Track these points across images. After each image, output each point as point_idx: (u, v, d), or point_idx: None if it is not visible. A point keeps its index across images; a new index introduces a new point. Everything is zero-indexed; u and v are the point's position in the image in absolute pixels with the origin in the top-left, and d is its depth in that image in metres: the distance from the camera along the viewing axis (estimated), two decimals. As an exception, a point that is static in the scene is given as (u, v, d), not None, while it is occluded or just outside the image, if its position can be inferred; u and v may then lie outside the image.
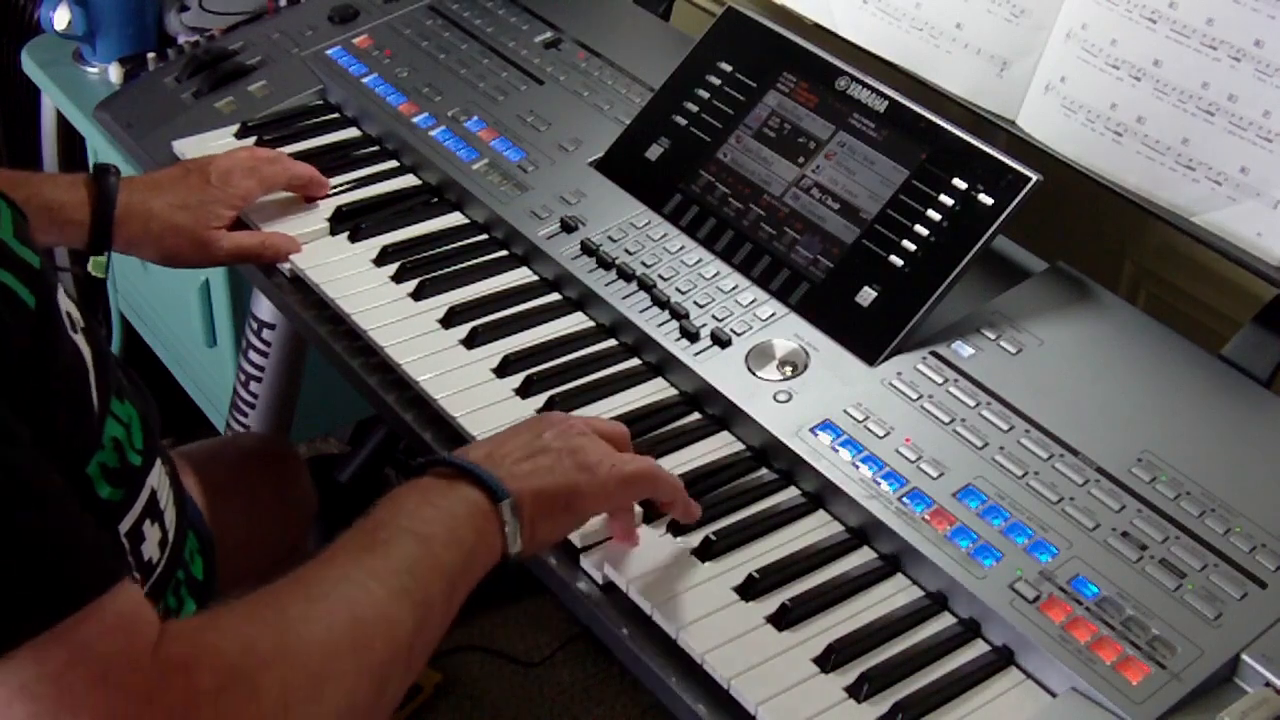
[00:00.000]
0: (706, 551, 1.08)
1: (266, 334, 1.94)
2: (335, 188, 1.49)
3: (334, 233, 1.43)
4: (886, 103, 1.32)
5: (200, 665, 0.78)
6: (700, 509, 1.10)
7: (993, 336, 1.22)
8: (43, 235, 1.30)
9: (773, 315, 1.27)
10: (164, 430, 1.17)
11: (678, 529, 1.10)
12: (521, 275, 1.38)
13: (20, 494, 0.76)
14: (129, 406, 1.05)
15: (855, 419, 1.16)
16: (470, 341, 1.28)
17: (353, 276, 1.37)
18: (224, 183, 1.39)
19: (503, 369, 1.25)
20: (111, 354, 1.05)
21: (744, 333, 1.25)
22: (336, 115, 1.61)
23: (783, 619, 1.03)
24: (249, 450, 1.60)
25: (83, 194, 1.32)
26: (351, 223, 1.43)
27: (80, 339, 0.96)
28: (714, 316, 1.27)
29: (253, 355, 1.97)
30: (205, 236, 1.37)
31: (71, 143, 2.27)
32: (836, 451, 1.13)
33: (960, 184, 1.25)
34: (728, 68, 1.42)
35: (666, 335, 1.26)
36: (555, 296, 1.35)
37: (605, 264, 1.33)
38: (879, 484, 1.10)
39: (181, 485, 1.18)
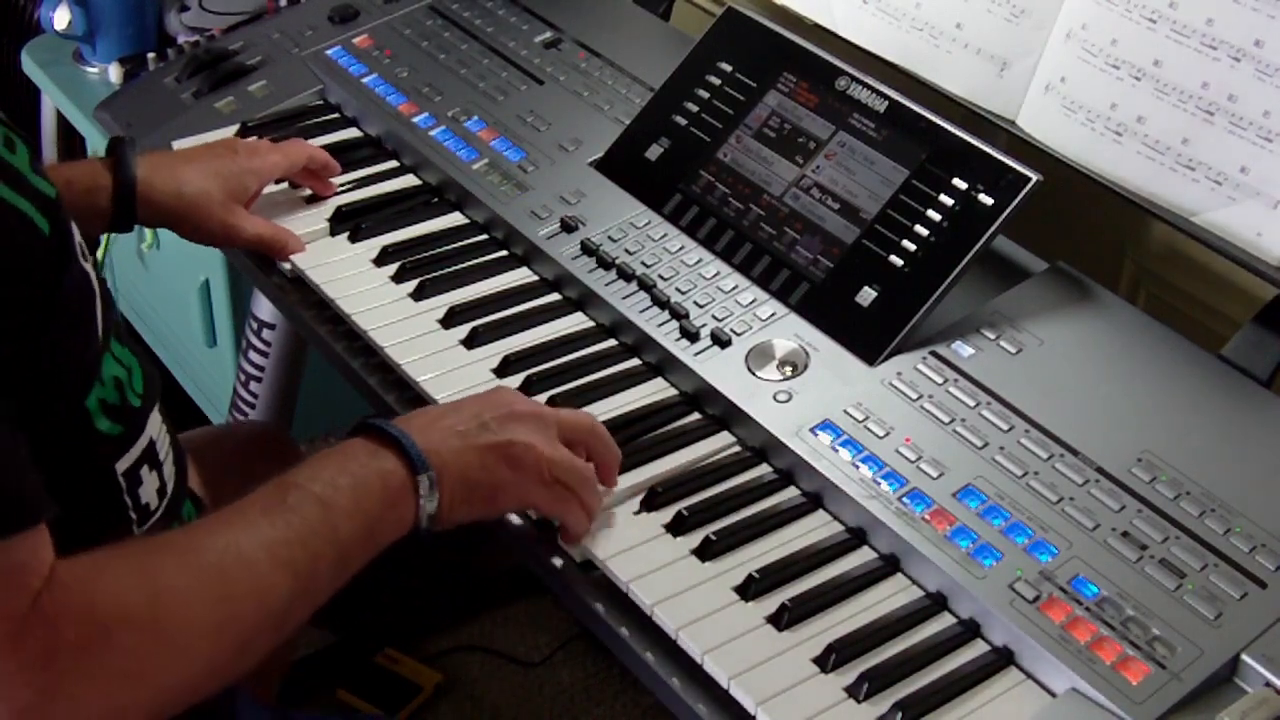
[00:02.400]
0: (706, 551, 1.08)
1: (266, 334, 1.95)
2: (337, 188, 1.49)
3: (334, 233, 1.43)
4: (886, 103, 1.32)
5: (67, 618, 0.82)
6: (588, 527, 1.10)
7: (993, 336, 1.22)
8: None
9: (773, 315, 1.27)
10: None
11: (678, 529, 1.10)
12: (521, 275, 1.38)
13: None
14: (128, 352, 1.05)
15: (855, 419, 1.16)
16: (470, 341, 1.29)
17: (353, 276, 1.37)
18: (251, 154, 1.39)
19: (503, 369, 1.25)
20: (114, 300, 1.05)
21: (744, 333, 1.25)
22: (336, 115, 1.61)
23: (782, 619, 1.03)
24: (248, 438, 1.61)
25: (99, 165, 1.31)
26: (351, 223, 1.43)
27: (89, 266, 0.98)
28: (714, 316, 1.27)
29: (253, 355, 1.97)
30: (234, 211, 1.36)
31: (71, 143, 2.27)
32: (836, 451, 1.13)
33: (960, 184, 1.25)
34: (728, 68, 1.42)
35: (666, 335, 1.26)
36: (555, 296, 1.35)
37: (605, 264, 1.33)
38: (879, 484, 1.10)
39: (184, 456, 1.18)
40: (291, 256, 1.39)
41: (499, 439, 1.05)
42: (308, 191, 1.47)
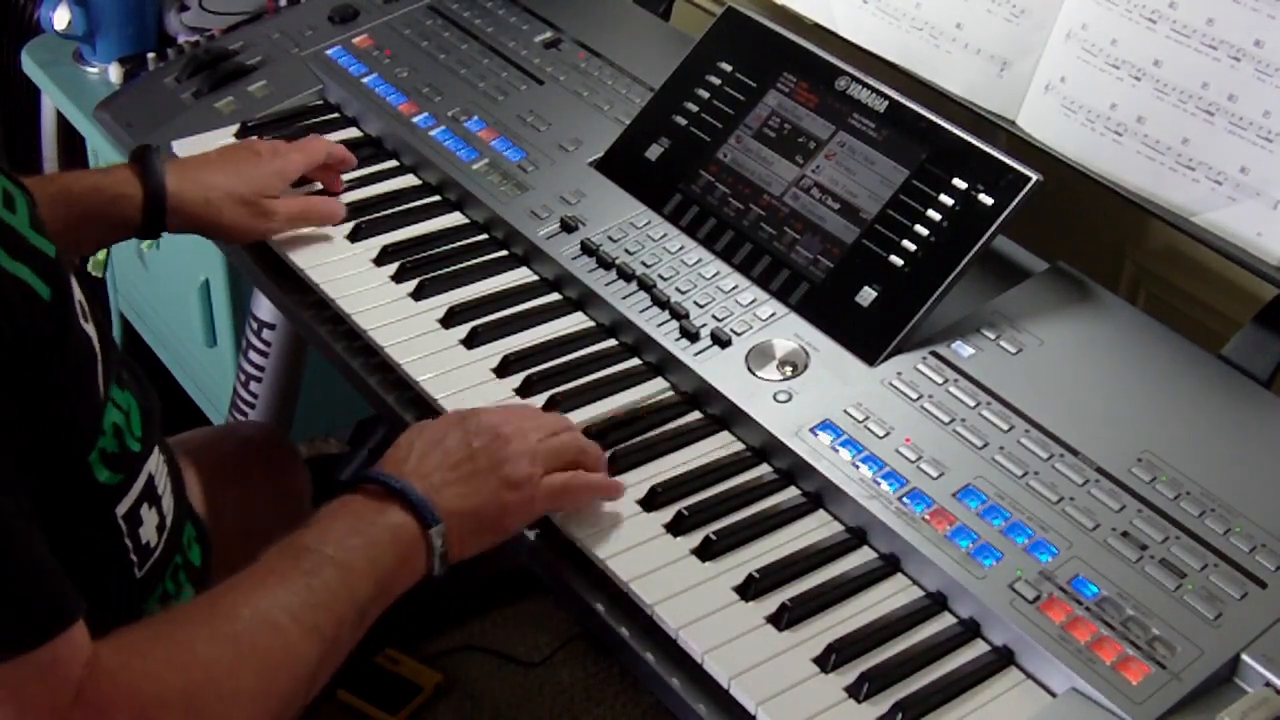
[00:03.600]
0: (706, 551, 1.08)
1: (266, 334, 1.94)
2: (344, 185, 1.49)
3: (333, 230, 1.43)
4: (886, 103, 1.32)
5: (115, 707, 0.84)
6: (619, 485, 1.12)
7: (993, 336, 1.22)
8: (91, 226, 1.30)
9: (773, 315, 1.27)
10: (165, 430, 1.17)
11: (678, 529, 1.10)
12: (521, 275, 1.38)
13: None
14: (128, 395, 1.05)
15: (855, 419, 1.16)
16: (470, 341, 1.29)
17: (353, 276, 1.37)
18: (273, 155, 1.40)
19: (503, 369, 1.25)
20: (114, 342, 1.05)
21: (744, 333, 1.25)
22: (336, 115, 1.61)
23: (783, 619, 1.03)
24: (246, 439, 1.61)
25: (127, 172, 1.32)
26: (351, 222, 1.43)
27: (90, 328, 0.98)
28: (714, 316, 1.27)
29: (253, 355, 1.97)
30: (265, 206, 1.37)
31: (71, 143, 2.27)
32: (836, 451, 1.13)
33: (960, 184, 1.25)
34: (728, 68, 1.42)
35: (666, 335, 1.26)
36: (555, 296, 1.35)
37: (605, 264, 1.33)
38: (879, 484, 1.10)
39: (181, 478, 1.19)
40: (292, 257, 1.39)
41: (491, 461, 1.06)
42: (318, 185, 1.47)
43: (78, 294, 0.96)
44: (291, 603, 0.93)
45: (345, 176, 1.50)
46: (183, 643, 0.89)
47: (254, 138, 1.46)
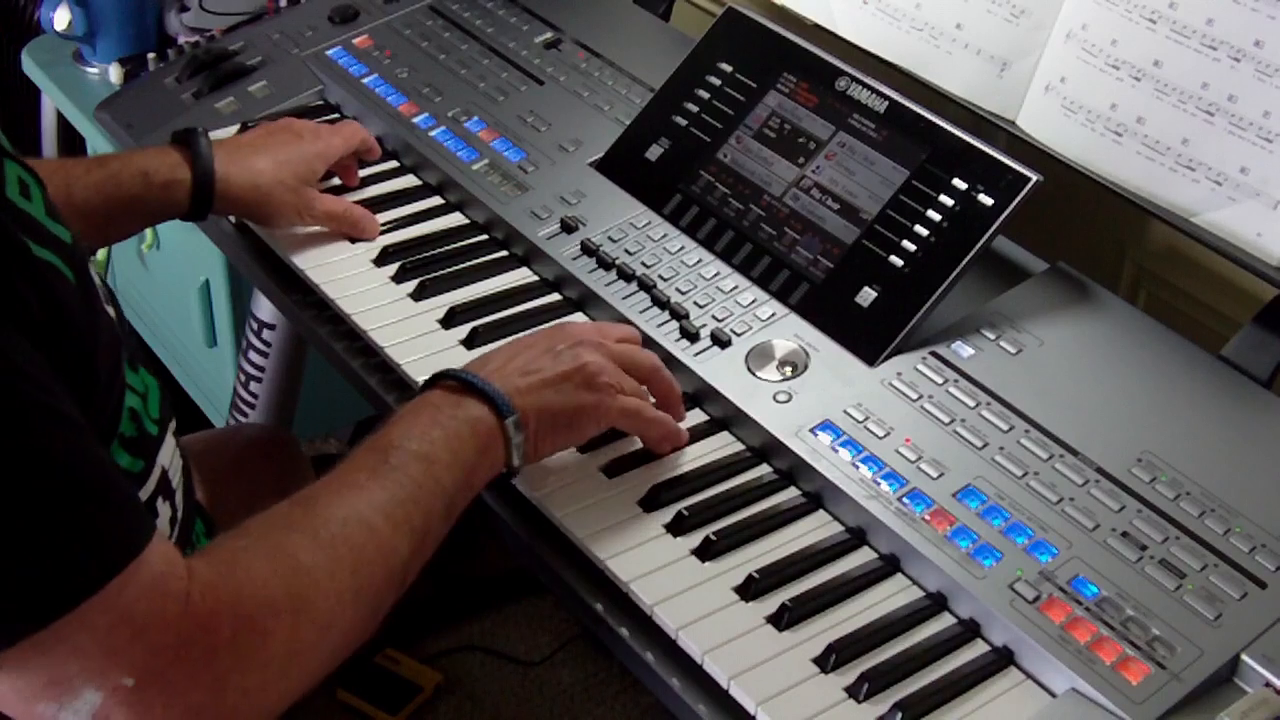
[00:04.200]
0: (706, 551, 1.08)
1: (266, 334, 1.95)
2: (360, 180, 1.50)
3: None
4: (886, 103, 1.32)
5: (221, 618, 0.85)
6: (684, 433, 1.17)
7: (993, 336, 1.22)
8: (138, 210, 1.31)
9: (773, 315, 1.27)
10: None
11: (678, 529, 1.10)
12: (522, 275, 1.38)
13: (73, 455, 0.81)
14: (145, 375, 1.06)
15: (855, 419, 1.16)
16: (470, 342, 1.29)
17: (353, 277, 1.37)
18: (315, 137, 1.41)
19: (503, 369, 1.25)
20: (129, 326, 1.06)
21: (744, 333, 1.25)
22: (336, 115, 1.61)
23: (783, 619, 1.03)
24: (252, 440, 1.61)
25: (176, 156, 1.32)
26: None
27: (111, 311, 0.99)
28: (714, 317, 1.27)
29: (253, 355, 1.97)
30: (308, 193, 1.38)
31: (72, 143, 2.27)
32: (836, 452, 1.13)
33: (960, 184, 1.25)
34: (728, 68, 1.42)
35: (666, 335, 1.26)
36: (555, 297, 1.36)
37: (605, 264, 1.33)
38: (879, 484, 1.10)
39: (191, 474, 1.19)
40: (291, 257, 1.39)
41: (573, 365, 1.10)
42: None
43: (96, 279, 0.97)
44: (382, 500, 0.97)
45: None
46: (282, 548, 0.91)
47: (291, 117, 1.46)
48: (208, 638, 0.84)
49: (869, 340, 1.22)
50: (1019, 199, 1.22)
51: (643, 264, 1.32)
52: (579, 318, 1.33)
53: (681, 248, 1.34)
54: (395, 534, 0.96)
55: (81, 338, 0.89)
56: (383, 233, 1.42)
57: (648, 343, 1.26)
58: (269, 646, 0.87)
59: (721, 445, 1.19)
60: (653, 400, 1.16)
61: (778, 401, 1.18)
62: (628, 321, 1.28)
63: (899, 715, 0.96)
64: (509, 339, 1.17)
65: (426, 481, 0.99)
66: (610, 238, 1.35)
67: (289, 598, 0.89)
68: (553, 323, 1.17)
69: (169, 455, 1.09)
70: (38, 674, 0.80)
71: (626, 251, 1.34)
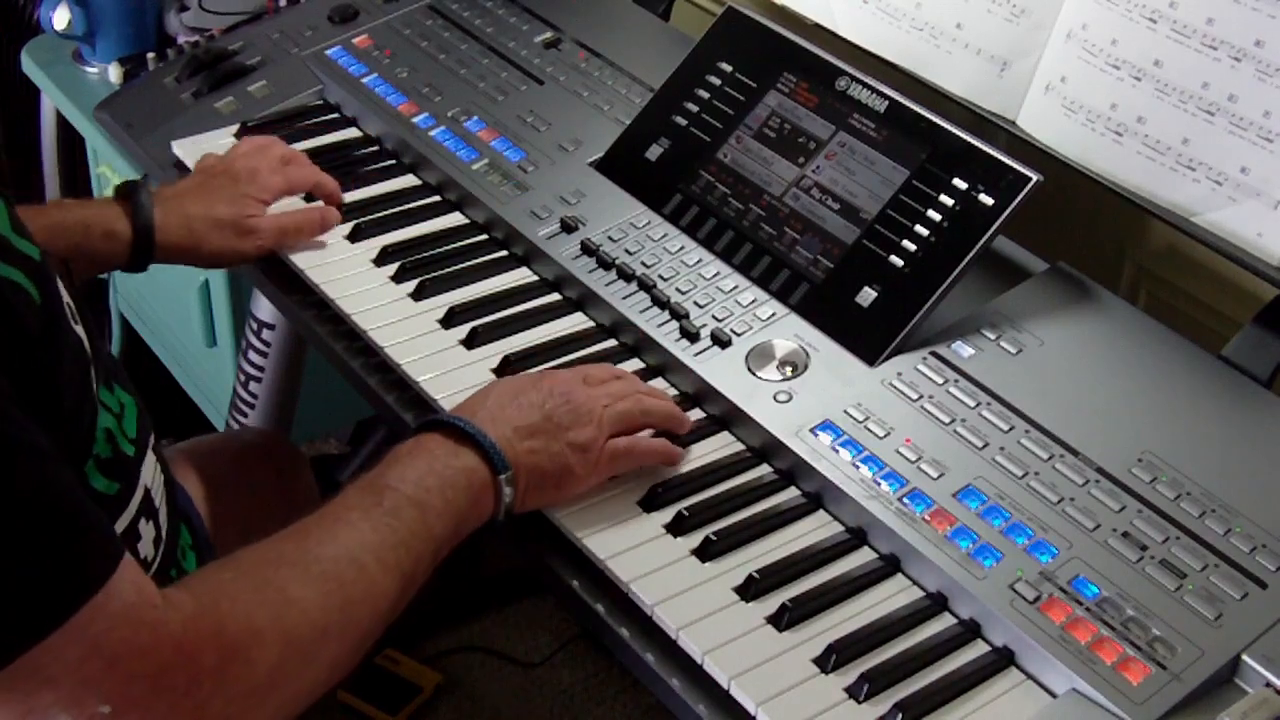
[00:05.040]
0: (706, 551, 1.08)
1: (266, 334, 1.94)
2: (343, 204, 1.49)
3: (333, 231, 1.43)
4: (886, 103, 1.32)
5: (205, 646, 0.85)
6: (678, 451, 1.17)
7: (993, 337, 1.22)
8: (79, 260, 1.31)
9: (773, 315, 1.27)
10: (164, 430, 1.17)
11: (678, 529, 1.10)
12: (521, 275, 1.38)
13: (34, 484, 0.80)
14: (120, 393, 1.05)
15: (855, 419, 1.16)
16: (470, 342, 1.28)
17: (353, 276, 1.37)
18: (252, 180, 1.40)
19: (503, 369, 1.25)
20: (103, 345, 1.05)
21: (744, 333, 1.25)
22: (336, 115, 1.61)
23: (783, 619, 1.03)
24: (251, 445, 1.61)
25: (116, 209, 1.33)
26: (351, 223, 1.43)
27: (80, 330, 0.97)
28: (714, 317, 1.27)
29: (253, 355, 1.97)
30: (247, 225, 1.38)
31: (71, 143, 2.27)
32: (837, 452, 1.13)
33: (960, 184, 1.25)
34: (728, 68, 1.42)
35: (666, 335, 1.26)
36: (555, 297, 1.35)
37: (605, 264, 1.33)
38: (879, 484, 1.10)
39: (173, 478, 1.18)
40: (291, 257, 1.39)
41: (563, 424, 1.10)
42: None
43: (65, 296, 0.96)
44: (374, 542, 0.97)
45: (346, 175, 1.50)
46: (271, 581, 0.91)
47: (242, 148, 1.45)
48: (190, 665, 0.84)
49: (869, 340, 1.22)
50: (1019, 199, 1.22)
51: (643, 264, 1.32)
52: (578, 317, 1.32)
53: (681, 247, 1.34)
54: (384, 576, 0.97)
55: (43, 358, 0.88)
56: (383, 233, 1.42)
57: (648, 343, 1.26)
58: (253, 676, 0.87)
59: (721, 445, 1.19)
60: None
61: (778, 401, 1.18)
62: (628, 321, 1.28)
63: (899, 715, 0.96)
64: (498, 380, 1.17)
65: (418, 528, 1.00)
66: (610, 237, 1.35)
67: (275, 628, 0.89)
68: (541, 369, 1.16)
69: (150, 473, 1.08)
70: (14, 705, 0.79)
71: (626, 251, 1.34)
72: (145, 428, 1.09)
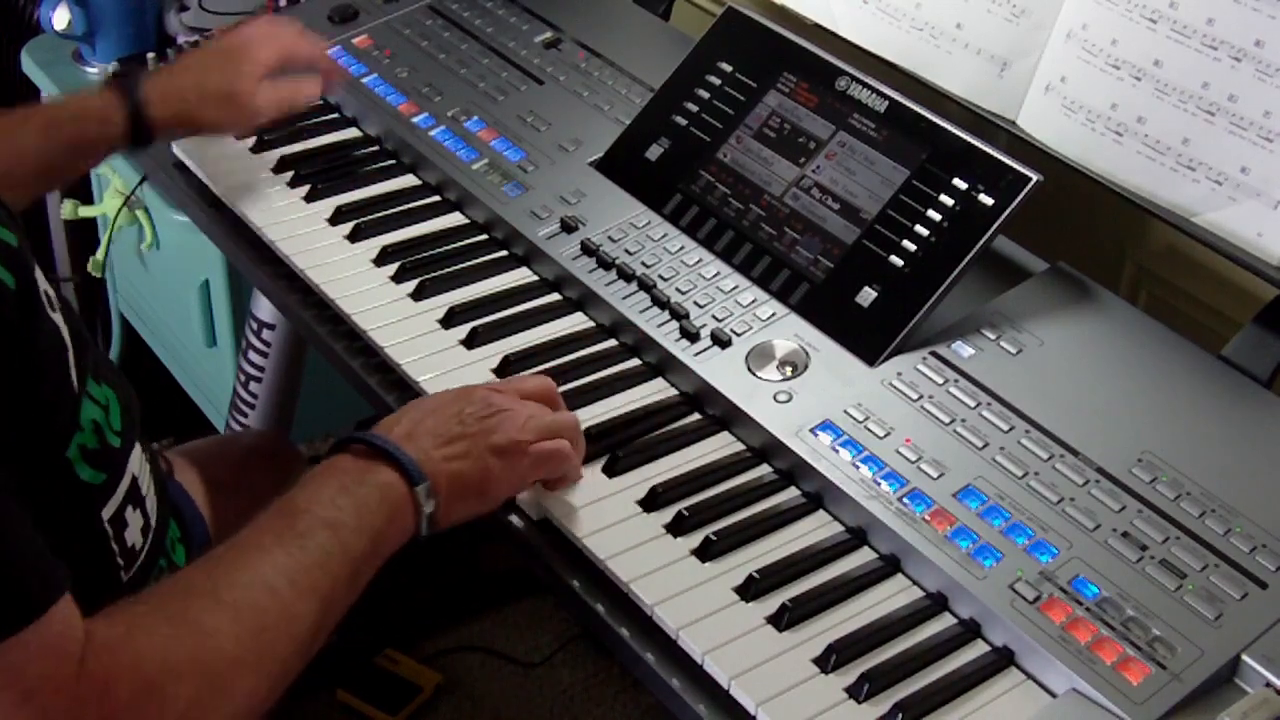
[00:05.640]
0: (706, 551, 1.08)
1: (266, 334, 1.94)
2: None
3: (334, 229, 1.43)
4: (886, 103, 1.32)
5: (119, 681, 0.84)
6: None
7: (993, 337, 1.22)
8: (81, 148, 1.36)
9: (773, 315, 1.27)
10: (164, 430, 1.17)
11: (678, 529, 1.10)
12: (521, 275, 1.38)
13: None
14: (106, 388, 1.05)
15: (855, 419, 1.16)
16: (470, 342, 1.28)
17: (353, 276, 1.37)
18: (245, 51, 1.42)
19: (503, 369, 1.25)
20: (88, 337, 1.05)
21: (744, 333, 1.25)
22: (336, 115, 1.61)
23: (783, 619, 1.03)
24: (251, 448, 1.61)
25: (108, 94, 1.36)
26: (351, 223, 1.43)
27: (59, 318, 0.97)
28: (714, 317, 1.27)
29: (253, 355, 1.97)
30: (241, 95, 1.39)
31: (71, 143, 2.26)
32: (837, 452, 1.13)
33: (960, 184, 1.25)
34: (728, 68, 1.42)
35: (666, 335, 1.26)
36: (555, 297, 1.35)
37: (605, 264, 1.33)
38: (879, 484, 1.10)
39: (164, 477, 1.18)
40: (291, 256, 1.39)
41: (480, 428, 1.08)
42: (305, 189, 1.47)
43: (43, 284, 0.96)
44: (287, 565, 0.95)
45: (346, 175, 1.50)
46: (184, 613, 0.90)
47: (243, 26, 1.48)
48: (104, 700, 0.83)
49: (869, 340, 1.22)
50: (1019, 199, 1.22)
51: (643, 264, 1.32)
52: (578, 317, 1.33)
53: (681, 247, 1.34)
54: (300, 600, 0.94)
55: (17, 345, 0.88)
56: (383, 233, 1.42)
57: (648, 343, 1.26)
58: (168, 710, 0.86)
59: (721, 445, 1.19)
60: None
61: (778, 401, 1.18)
62: (628, 321, 1.28)
63: (899, 715, 0.96)
64: (417, 399, 1.14)
65: (333, 548, 0.97)
66: (610, 237, 1.35)
67: (190, 661, 0.87)
68: (460, 386, 1.14)
69: (138, 463, 1.08)
70: None
71: (626, 251, 1.34)
72: (132, 420, 1.09)
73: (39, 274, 0.96)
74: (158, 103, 1.37)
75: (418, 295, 1.34)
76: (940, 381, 1.18)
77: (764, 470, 1.17)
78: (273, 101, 1.41)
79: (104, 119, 1.35)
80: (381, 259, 1.39)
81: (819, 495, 1.13)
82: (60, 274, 2.40)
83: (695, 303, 1.28)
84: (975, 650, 1.03)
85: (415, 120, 1.54)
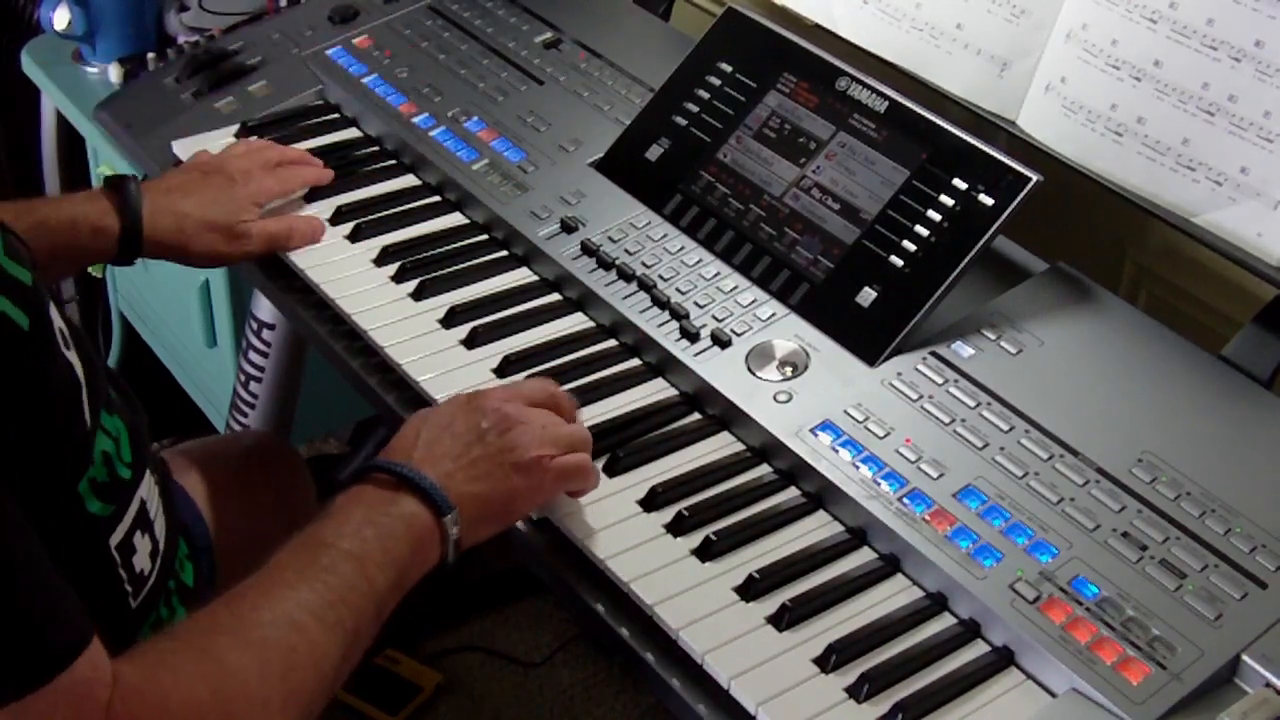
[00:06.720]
0: (706, 551, 1.08)
1: (266, 334, 1.94)
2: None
3: (333, 229, 1.43)
4: (886, 103, 1.32)
5: None
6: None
7: (993, 337, 1.22)
8: (67, 256, 1.31)
9: (773, 315, 1.27)
10: (164, 430, 1.17)
11: (678, 529, 1.10)
12: (521, 275, 1.38)
13: (6, 565, 0.79)
14: (116, 419, 1.04)
15: (855, 419, 1.16)
16: (470, 342, 1.29)
17: (353, 276, 1.37)
18: (246, 181, 1.40)
19: (503, 369, 1.25)
20: (102, 365, 1.05)
21: (744, 333, 1.25)
22: (336, 115, 1.61)
23: (783, 619, 1.03)
24: (250, 449, 1.61)
25: (105, 203, 1.32)
26: (351, 223, 1.43)
27: (73, 355, 0.96)
28: (714, 317, 1.27)
29: (253, 355, 1.97)
30: (238, 230, 1.37)
31: (71, 143, 2.27)
32: (837, 452, 1.13)
33: (960, 184, 1.25)
34: (728, 68, 1.42)
35: (666, 335, 1.26)
36: (555, 297, 1.35)
37: (605, 264, 1.33)
38: (879, 484, 1.10)
39: (170, 491, 1.18)
40: (291, 256, 1.39)
41: (501, 445, 1.06)
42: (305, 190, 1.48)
43: (57, 321, 0.95)
44: (312, 601, 0.93)
45: (346, 175, 1.50)
46: (209, 652, 0.89)
47: (237, 149, 1.45)
48: None
49: (869, 340, 1.22)
50: (1019, 199, 1.22)
51: (643, 264, 1.32)
52: (578, 318, 1.33)
53: (681, 248, 1.34)
54: (326, 636, 0.93)
55: (30, 386, 0.87)
56: (383, 233, 1.42)
57: (648, 343, 1.26)
58: None
59: (721, 445, 1.19)
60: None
61: (778, 401, 1.18)
62: (628, 321, 1.28)
63: (899, 715, 0.96)
64: (422, 411, 1.12)
65: (358, 582, 0.96)
66: (610, 238, 1.35)
67: (215, 701, 0.86)
68: (464, 394, 1.13)
69: (147, 487, 1.08)
70: None
71: (626, 251, 1.34)
72: (142, 451, 1.08)
73: (53, 311, 0.94)
74: (156, 223, 1.33)
75: (418, 295, 1.34)
76: (940, 381, 1.18)
77: (764, 470, 1.17)
78: (266, 238, 1.39)
79: (98, 230, 1.31)
80: (382, 259, 1.39)
81: (819, 495, 1.13)
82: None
83: (695, 303, 1.28)
84: (975, 650, 1.03)
85: (415, 120, 1.54)
